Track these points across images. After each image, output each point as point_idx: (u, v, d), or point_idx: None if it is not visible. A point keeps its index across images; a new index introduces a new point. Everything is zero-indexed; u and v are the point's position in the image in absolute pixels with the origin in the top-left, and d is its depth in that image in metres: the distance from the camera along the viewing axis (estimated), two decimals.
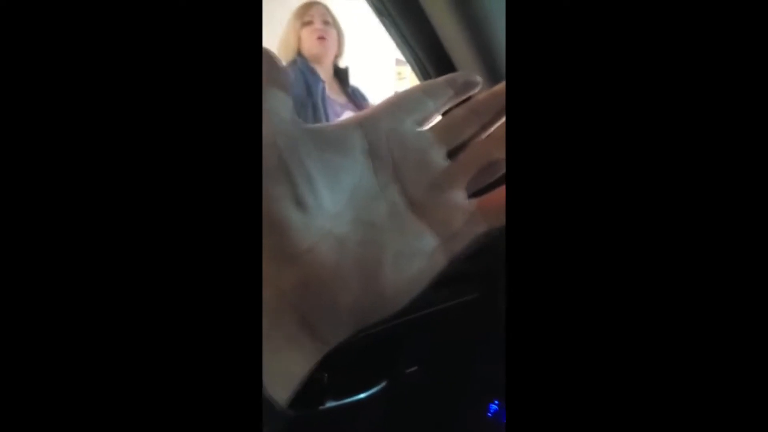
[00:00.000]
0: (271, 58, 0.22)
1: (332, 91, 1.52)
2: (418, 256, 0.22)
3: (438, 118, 0.24)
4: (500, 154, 0.22)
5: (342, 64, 1.59)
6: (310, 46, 1.49)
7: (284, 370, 0.20)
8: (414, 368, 0.59)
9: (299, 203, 0.20)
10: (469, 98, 0.24)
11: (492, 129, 0.23)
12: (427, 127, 0.24)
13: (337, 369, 0.53)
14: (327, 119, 1.41)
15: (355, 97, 1.57)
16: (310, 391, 0.52)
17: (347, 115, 1.46)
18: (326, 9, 1.53)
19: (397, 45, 0.43)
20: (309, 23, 1.49)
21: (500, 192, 0.22)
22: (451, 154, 0.23)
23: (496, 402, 0.56)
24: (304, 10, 1.52)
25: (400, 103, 0.23)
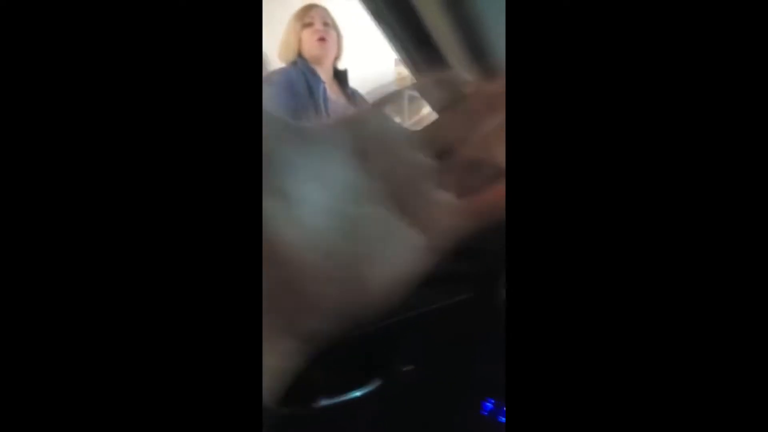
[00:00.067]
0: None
1: (332, 92, 1.52)
2: (404, 255, 0.21)
3: (430, 116, 0.24)
4: (489, 154, 0.22)
5: (341, 65, 1.60)
6: (310, 47, 1.50)
7: (267, 368, 0.20)
8: (410, 367, 0.59)
9: (284, 196, 0.20)
10: (461, 98, 0.24)
11: (483, 129, 0.23)
12: (417, 126, 0.24)
13: (332, 367, 0.53)
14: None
15: (355, 99, 1.57)
16: (305, 390, 0.52)
17: None
18: (326, 11, 1.54)
19: (395, 49, 0.44)
20: (309, 25, 1.50)
21: (490, 192, 0.22)
22: (441, 154, 0.23)
23: (491, 400, 0.56)
24: (305, 12, 1.53)
25: (389, 103, 0.23)
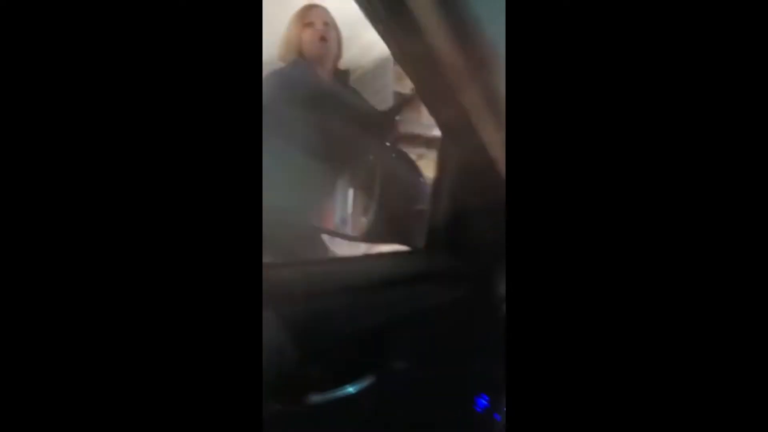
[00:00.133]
0: None
1: None
2: None
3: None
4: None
5: (342, 65, 1.61)
6: (311, 47, 1.50)
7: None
8: (404, 364, 0.59)
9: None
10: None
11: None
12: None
13: (327, 364, 0.54)
14: None
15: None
16: (299, 386, 0.52)
17: None
18: (326, 11, 1.54)
19: (392, 52, 0.44)
20: (310, 25, 1.50)
21: None
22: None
23: (485, 397, 0.56)
24: (305, 12, 1.53)
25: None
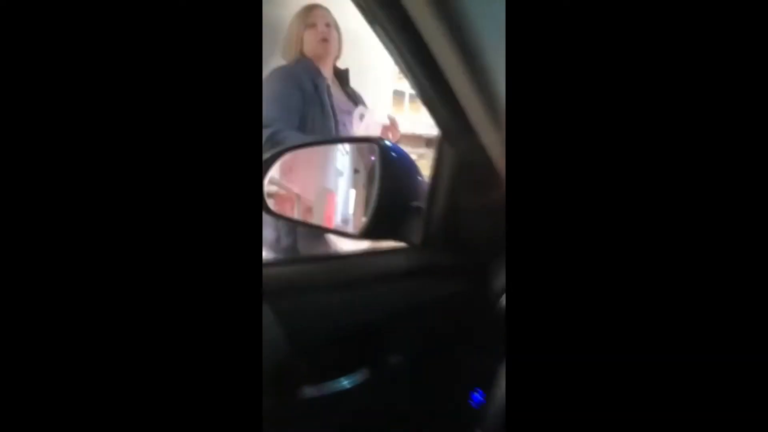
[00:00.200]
0: None
1: (334, 91, 1.54)
2: None
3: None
4: None
5: (342, 65, 1.62)
6: (313, 47, 1.52)
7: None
8: (399, 358, 0.60)
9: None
10: None
11: None
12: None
13: (321, 358, 0.54)
14: (334, 115, 1.44)
15: (354, 98, 1.59)
16: (294, 380, 0.52)
17: (349, 113, 1.48)
18: (327, 11, 1.55)
19: (391, 55, 0.45)
20: (312, 25, 1.52)
21: None
22: None
23: (480, 391, 0.57)
24: (307, 12, 1.54)
25: None
